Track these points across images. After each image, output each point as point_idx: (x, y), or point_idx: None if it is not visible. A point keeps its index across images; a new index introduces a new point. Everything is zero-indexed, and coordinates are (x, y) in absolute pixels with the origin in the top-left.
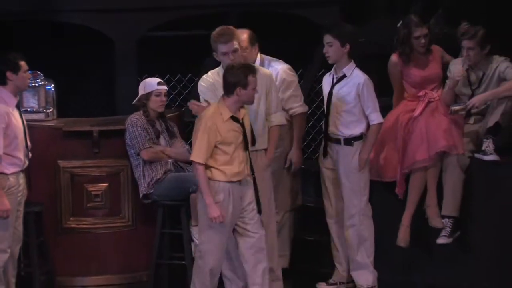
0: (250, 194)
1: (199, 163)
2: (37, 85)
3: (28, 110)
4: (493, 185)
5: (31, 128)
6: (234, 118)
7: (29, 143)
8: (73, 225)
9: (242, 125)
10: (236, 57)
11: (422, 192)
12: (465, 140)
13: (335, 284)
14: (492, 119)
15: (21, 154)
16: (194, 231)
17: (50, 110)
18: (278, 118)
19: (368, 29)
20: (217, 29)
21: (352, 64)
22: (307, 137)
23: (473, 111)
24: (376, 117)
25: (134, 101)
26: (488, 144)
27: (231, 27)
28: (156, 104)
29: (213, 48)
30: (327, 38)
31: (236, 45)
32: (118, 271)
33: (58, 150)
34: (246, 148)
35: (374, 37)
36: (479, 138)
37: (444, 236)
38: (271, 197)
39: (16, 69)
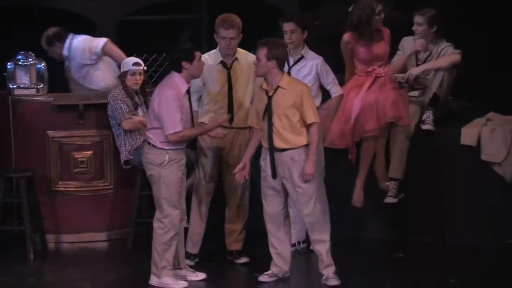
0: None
1: None
2: (29, 64)
3: (21, 86)
4: (433, 151)
5: (24, 103)
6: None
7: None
8: (61, 188)
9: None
10: (232, 44)
11: (372, 158)
12: (411, 112)
13: (294, 245)
14: (431, 90)
15: None
16: None
17: (41, 86)
18: None
19: (321, 13)
20: (223, 15)
21: (307, 47)
22: None
23: (411, 81)
24: (337, 89)
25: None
26: (428, 115)
27: (236, 16)
28: (130, 82)
29: (215, 30)
30: (291, 26)
31: (234, 34)
32: (102, 229)
33: (48, 121)
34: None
35: (327, 20)
36: (423, 109)
37: (390, 196)
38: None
39: (191, 59)
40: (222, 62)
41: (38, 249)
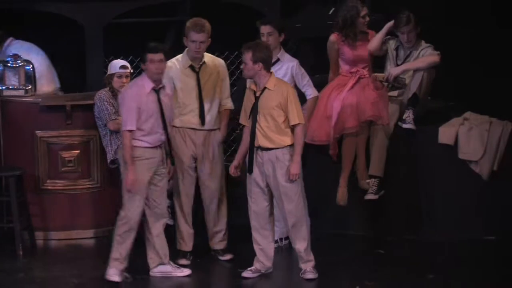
0: None
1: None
2: (17, 65)
3: (10, 87)
4: (411, 150)
5: (13, 103)
6: None
7: (167, 124)
8: (49, 187)
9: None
10: (202, 48)
11: (354, 156)
12: (391, 111)
13: (276, 242)
14: (411, 91)
15: (153, 133)
16: None
17: (29, 87)
18: (229, 103)
19: (303, 16)
20: (194, 19)
21: (283, 50)
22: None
23: (391, 80)
24: (312, 91)
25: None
26: (408, 114)
27: (206, 21)
28: (117, 84)
29: (185, 33)
30: (268, 29)
31: (205, 38)
32: (88, 226)
33: (36, 122)
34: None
35: (309, 22)
36: (402, 108)
37: (371, 193)
38: (222, 171)
39: (144, 60)
40: (190, 66)
41: (27, 246)
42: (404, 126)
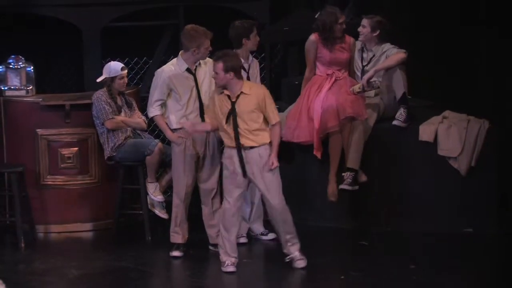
0: None
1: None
2: (19, 67)
3: (12, 88)
4: (393, 147)
5: (15, 103)
6: None
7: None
8: (49, 182)
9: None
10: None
11: (341, 152)
12: (369, 111)
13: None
14: (398, 90)
15: None
16: (150, 186)
17: (30, 87)
18: None
19: (291, 20)
20: (199, 27)
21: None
22: None
23: (365, 84)
24: None
25: (99, 79)
26: (401, 112)
27: None
28: (119, 85)
29: (199, 43)
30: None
31: None
32: (87, 220)
33: (37, 120)
34: None
35: (296, 26)
36: (380, 108)
37: (346, 184)
38: (219, 167)
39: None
40: (187, 69)
41: (28, 239)
42: (393, 122)
